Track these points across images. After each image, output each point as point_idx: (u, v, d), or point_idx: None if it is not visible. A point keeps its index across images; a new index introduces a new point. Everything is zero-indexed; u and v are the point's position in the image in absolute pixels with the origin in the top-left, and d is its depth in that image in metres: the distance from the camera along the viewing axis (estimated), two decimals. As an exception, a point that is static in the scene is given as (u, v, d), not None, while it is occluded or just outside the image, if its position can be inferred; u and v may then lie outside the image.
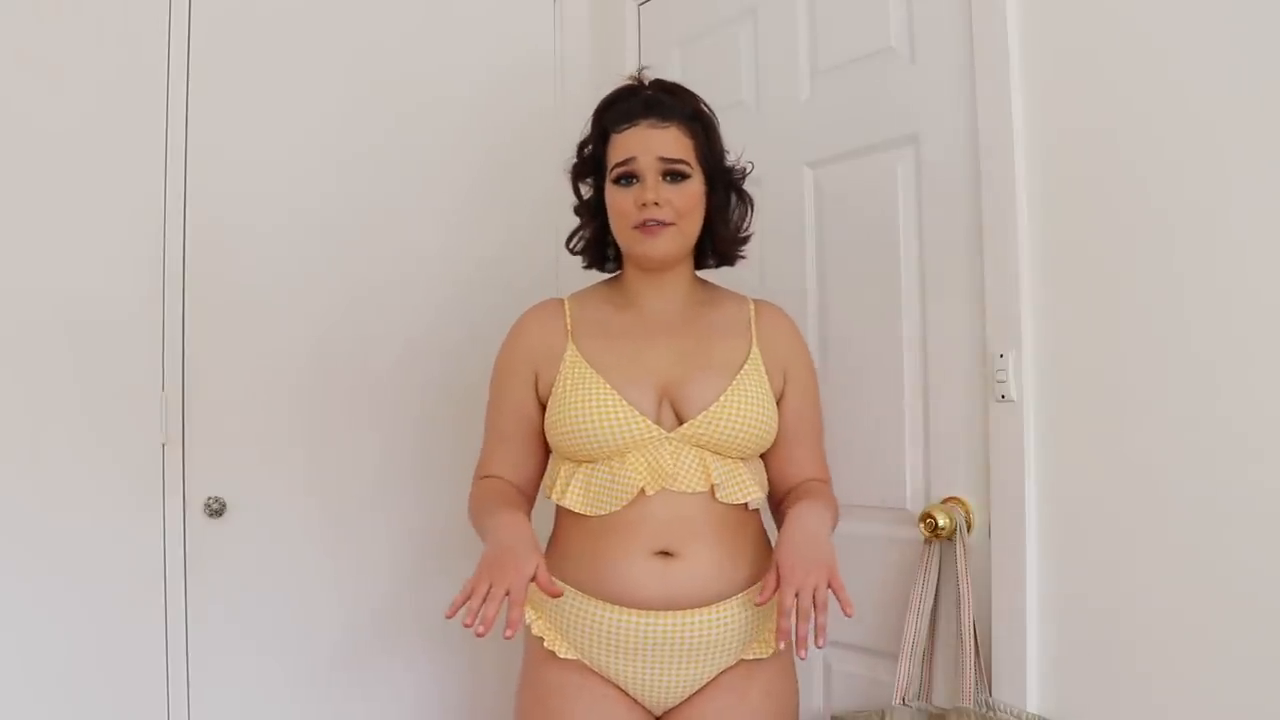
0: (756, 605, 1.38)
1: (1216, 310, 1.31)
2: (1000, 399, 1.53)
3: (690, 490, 1.42)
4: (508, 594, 1.26)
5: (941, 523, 1.58)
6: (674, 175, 1.45)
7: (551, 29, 2.32)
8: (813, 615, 1.28)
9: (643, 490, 1.41)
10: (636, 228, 1.45)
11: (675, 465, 1.42)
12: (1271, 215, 1.26)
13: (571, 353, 1.47)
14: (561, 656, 1.45)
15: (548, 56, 2.31)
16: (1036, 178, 1.50)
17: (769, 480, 1.54)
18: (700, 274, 1.58)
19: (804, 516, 1.41)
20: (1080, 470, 1.45)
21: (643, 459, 1.42)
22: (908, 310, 1.70)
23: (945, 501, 1.63)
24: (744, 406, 1.44)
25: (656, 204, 1.43)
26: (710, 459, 1.43)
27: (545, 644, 1.46)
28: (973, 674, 1.53)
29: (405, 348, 2.14)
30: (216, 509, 1.98)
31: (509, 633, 1.26)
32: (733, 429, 1.43)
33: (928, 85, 1.67)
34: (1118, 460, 1.41)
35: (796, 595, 1.28)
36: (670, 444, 1.42)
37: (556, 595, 1.33)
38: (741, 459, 1.47)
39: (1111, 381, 1.42)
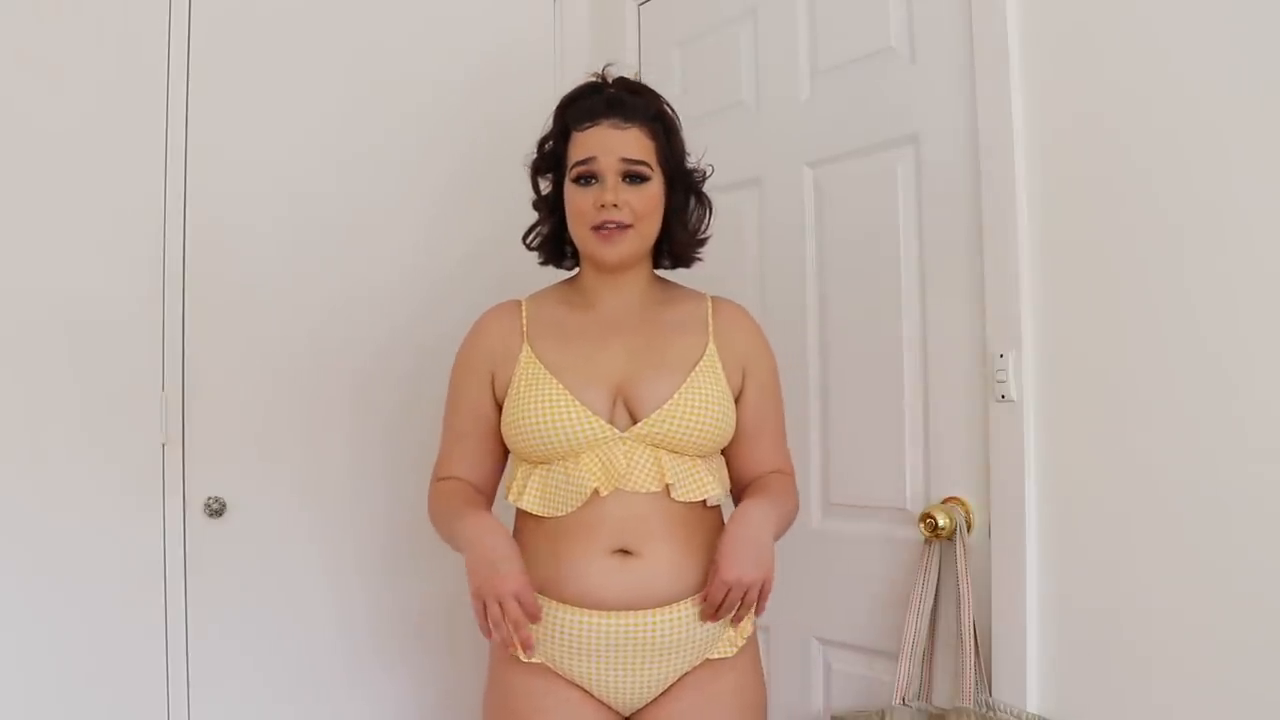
0: (701, 620, 1.40)
1: (1217, 310, 1.31)
2: (1000, 399, 1.53)
3: (644, 490, 1.40)
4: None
5: (941, 523, 1.58)
6: (634, 177, 1.44)
7: (551, 29, 2.32)
8: (735, 610, 1.38)
9: (597, 491, 1.40)
10: (594, 229, 1.44)
11: (628, 465, 1.40)
12: (1271, 216, 1.26)
13: (526, 354, 1.47)
14: (524, 661, 1.43)
15: (548, 57, 2.31)
16: (1036, 177, 1.50)
17: (731, 475, 1.53)
18: (664, 273, 1.58)
19: (749, 514, 1.42)
20: (1080, 470, 1.45)
21: (596, 459, 1.41)
22: (908, 310, 1.70)
23: (945, 501, 1.63)
24: (698, 404, 1.43)
25: (615, 205, 1.42)
26: (665, 457, 1.42)
27: (510, 651, 1.43)
28: (973, 674, 1.53)
29: (406, 348, 2.14)
30: (216, 509, 1.98)
31: (526, 654, 1.40)
32: (686, 427, 1.42)
33: (928, 85, 1.67)
34: (1118, 460, 1.41)
35: (728, 591, 1.36)
36: (624, 444, 1.41)
37: (536, 620, 1.37)
38: (699, 456, 1.45)
39: (1112, 381, 1.42)
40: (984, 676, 1.55)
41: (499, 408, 1.50)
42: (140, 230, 1.95)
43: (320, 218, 2.09)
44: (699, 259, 1.57)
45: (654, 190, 1.46)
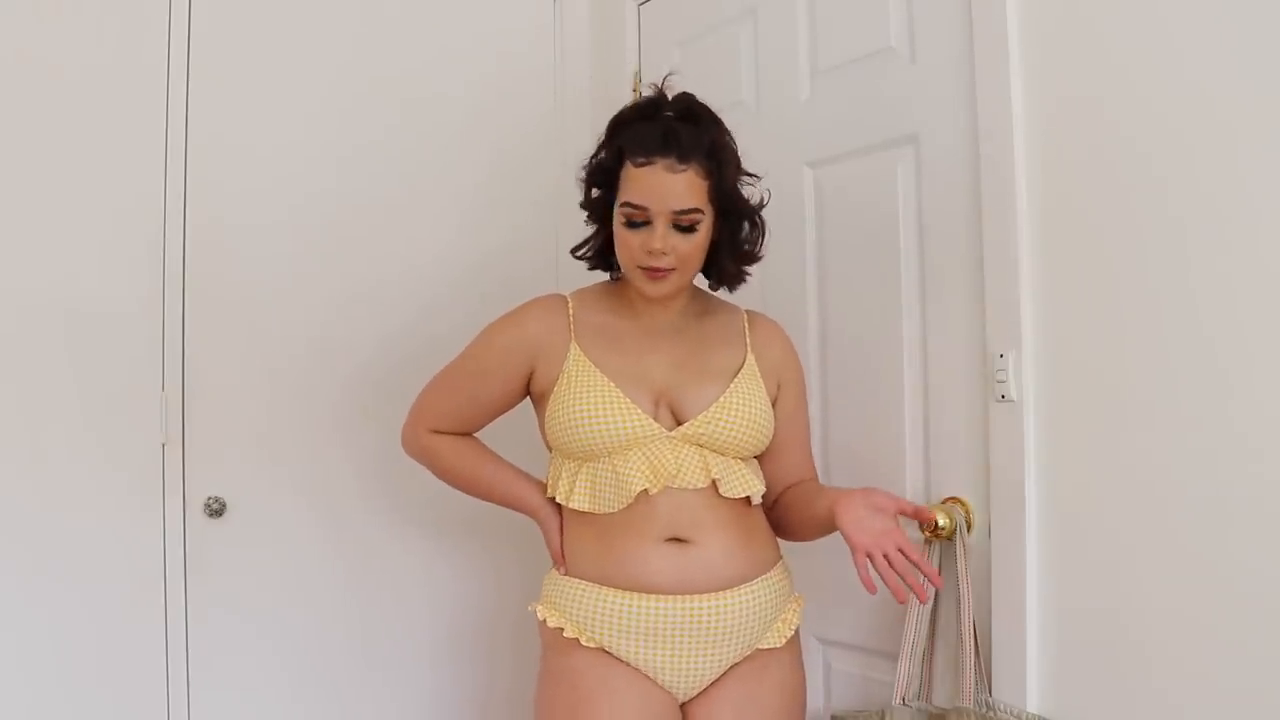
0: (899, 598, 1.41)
1: (1217, 311, 1.31)
2: (1000, 399, 1.53)
3: (693, 486, 1.45)
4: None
5: (941, 523, 1.58)
6: (684, 227, 1.43)
7: (551, 29, 2.32)
8: (908, 568, 1.38)
9: (645, 491, 1.44)
10: (641, 269, 1.46)
11: (676, 463, 1.45)
12: (1271, 218, 1.26)
13: (575, 352, 1.50)
14: (585, 644, 1.48)
15: (548, 56, 2.31)
16: (1036, 177, 1.50)
17: (765, 479, 1.57)
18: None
19: (856, 492, 1.44)
20: (1080, 470, 1.45)
21: (643, 457, 1.45)
22: (908, 310, 1.70)
23: (945, 501, 1.63)
24: (742, 407, 1.49)
25: (663, 253, 1.43)
26: (710, 457, 1.47)
27: (565, 633, 1.49)
28: (973, 674, 1.53)
29: (405, 346, 2.13)
30: (216, 509, 1.98)
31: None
32: (733, 428, 1.47)
33: (928, 85, 1.67)
34: (1118, 460, 1.41)
35: (870, 559, 1.37)
36: (671, 443, 1.46)
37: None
38: (739, 459, 1.51)
39: (1112, 381, 1.42)
40: (984, 676, 1.55)
41: (520, 398, 1.58)
42: (140, 229, 1.95)
43: (320, 217, 2.09)
44: (744, 281, 1.58)
45: (702, 235, 1.46)
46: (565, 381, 1.48)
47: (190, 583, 1.95)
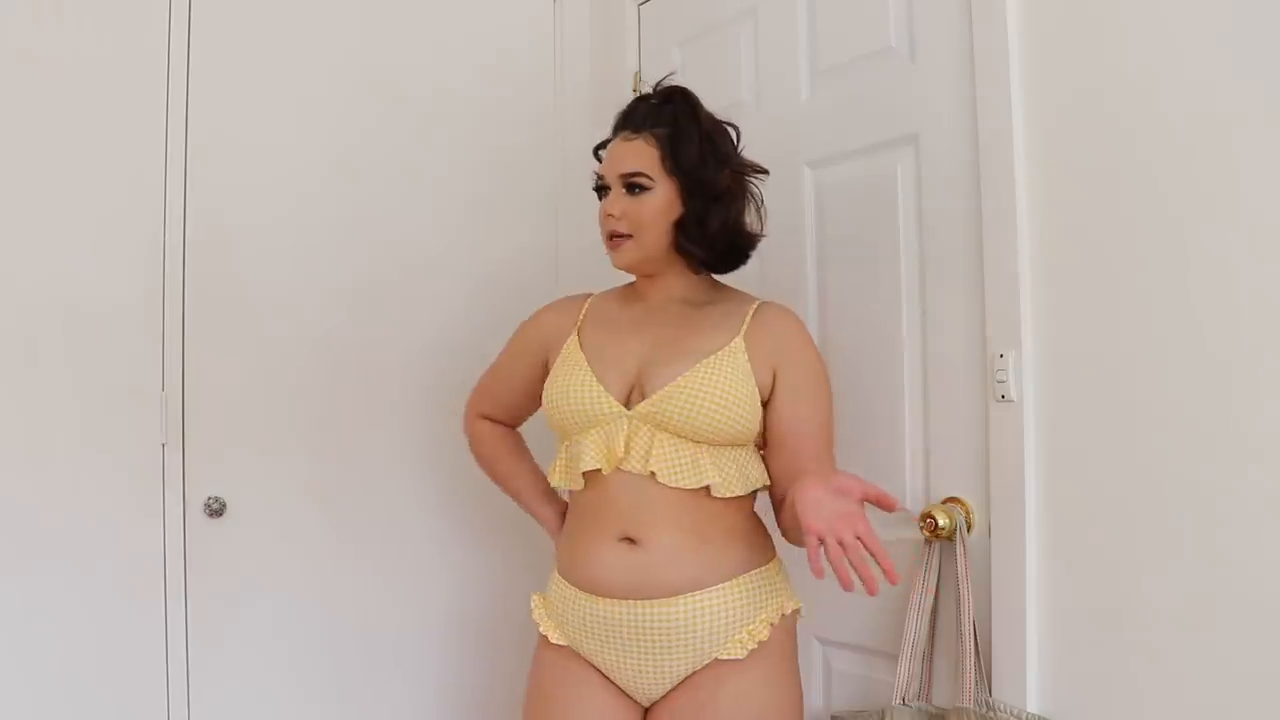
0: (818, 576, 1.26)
1: (1217, 310, 1.31)
2: (1000, 399, 1.53)
3: (634, 471, 1.44)
4: None
5: (941, 523, 1.58)
6: (633, 188, 1.49)
7: (551, 29, 2.31)
8: (863, 556, 1.23)
9: (599, 471, 1.45)
10: (605, 238, 1.53)
11: (624, 446, 1.44)
12: (1270, 217, 1.26)
13: (572, 340, 1.56)
14: (554, 641, 1.53)
15: (548, 56, 2.31)
16: (1036, 177, 1.50)
17: (773, 489, 1.51)
18: (721, 278, 1.60)
19: (812, 475, 1.34)
20: (1080, 470, 1.45)
21: (599, 436, 1.46)
22: (908, 310, 1.70)
23: (945, 501, 1.63)
24: (703, 386, 1.42)
25: (613, 216, 1.50)
26: (664, 441, 1.42)
27: (541, 629, 1.55)
28: (973, 674, 1.53)
29: (404, 345, 2.14)
30: (216, 509, 1.98)
31: None
32: (687, 407, 1.41)
33: (928, 85, 1.67)
34: (1118, 460, 1.41)
35: (822, 543, 1.24)
36: (628, 422, 1.45)
37: None
38: (701, 443, 1.42)
39: (1112, 381, 1.42)
40: (984, 676, 1.55)
41: (539, 383, 1.61)
42: (140, 228, 1.95)
43: (321, 215, 2.09)
44: (745, 260, 1.56)
45: (654, 200, 1.49)
46: (555, 367, 1.55)
47: (190, 582, 1.95)
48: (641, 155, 1.49)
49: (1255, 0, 1.28)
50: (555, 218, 2.23)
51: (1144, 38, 1.38)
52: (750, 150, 1.56)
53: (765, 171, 1.55)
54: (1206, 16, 1.32)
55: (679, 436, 1.43)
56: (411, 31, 2.18)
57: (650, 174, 1.49)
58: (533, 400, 1.65)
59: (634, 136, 1.51)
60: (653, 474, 1.42)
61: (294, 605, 2.04)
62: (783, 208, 1.90)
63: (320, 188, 2.09)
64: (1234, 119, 1.29)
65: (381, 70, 2.14)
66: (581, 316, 1.60)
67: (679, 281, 1.56)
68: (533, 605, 1.59)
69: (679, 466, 1.43)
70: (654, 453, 1.42)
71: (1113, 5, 1.42)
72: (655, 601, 1.42)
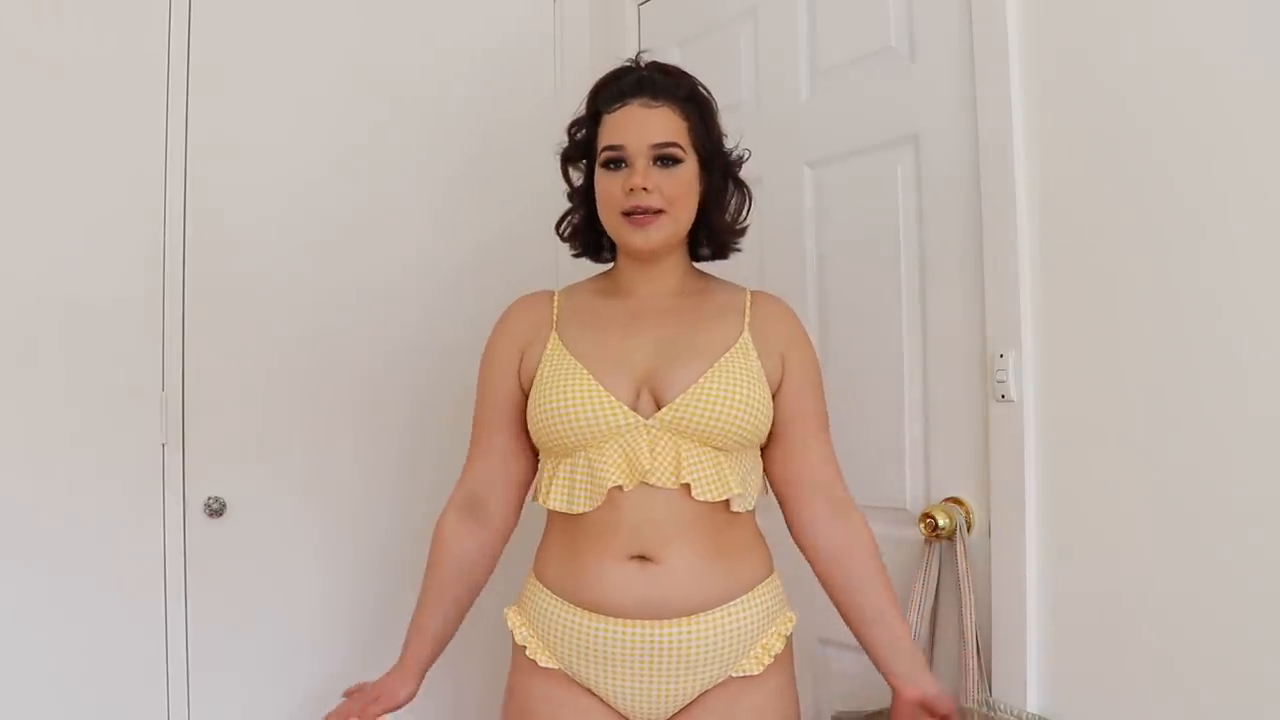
0: None
1: (1217, 310, 1.31)
2: (1000, 399, 1.53)
3: (664, 485, 1.32)
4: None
5: (941, 523, 1.58)
6: (665, 160, 1.36)
7: (552, 29, 2.32)
8: None
9: (620, 487, 1.32)
10: (625, 215, 1.37)
11: (651, 458, 1.31)
12: (1270, 216, 1.26)
13: (554, 342, 1.41)
14: (543, 666, 1.39)
15: (548, 57, 2.31)
16: (1036, 177, 1.50)
17: (773, 480, 1.45)
18: (699, 266, 1.52)
19: (920, 681, 1.38)
20: (1080, 470, 1.45)
21: (619, 449, 1.32)
22: (908, 310, 1.70)
23: (945, 501, 1.63)
24: (724, 389, 1.33)
25: (645, 190, 1.34)
26: (689, 451, 1.33)
27: (528, 653, 1.41)
28: (973, 674, 1.53)
29: (405, 345, 2.14)
30: (216, 509, 1.98)
31: None
32: (713, 412, 1.32)
33: (928, 85, 1.67)
34: (1118, 460, 1.41)
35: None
36: (648, 432, 1.33)
37: None
38: (721, 449, 1.35)
39: (1112, 381, 1.42)
40: (984, 676, 1.55)
41: (525, 396, 1.43)
42: (140, 228, 1.95)
43: (320, 213, 2.09)
44: (738, 249, 1.50)
45: (687, 173, 1.38)
46: (541, 373, 1.39)
47: (190, 582, 1.95)
48: (672, 125, 1.37)
49: (1255, 0, 1.28)
50: (555, 217, 2.22)
51: (1144, 37, 1.39)
52: (750, 150, 1.56)
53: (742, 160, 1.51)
54: (1206, 16, 1.32)
55: (702, 444, 1.34)
56: (411, 32, 2.18)
57: (682, 145, 1.37)
58: (520, 430, 1.47)
59: (657, 105, 1.37)
60: (686, 487, 1.32)
61: (294, 605, 2.04)
62: (783, 208, 1.90)
63: (319, 184, 2.09)
64: (1235, 119, 1.29)
65: (381, 71, 2.15)
66: (554, 315, 1.44)
67: (677, 269, 1.45)
68: (511, 624, 1.44)
69: (710, 479, 1.33)
70: (684, 464, 1.32)
71: (1113, 5, 1.42)
72: (675, 621, 1.32)
